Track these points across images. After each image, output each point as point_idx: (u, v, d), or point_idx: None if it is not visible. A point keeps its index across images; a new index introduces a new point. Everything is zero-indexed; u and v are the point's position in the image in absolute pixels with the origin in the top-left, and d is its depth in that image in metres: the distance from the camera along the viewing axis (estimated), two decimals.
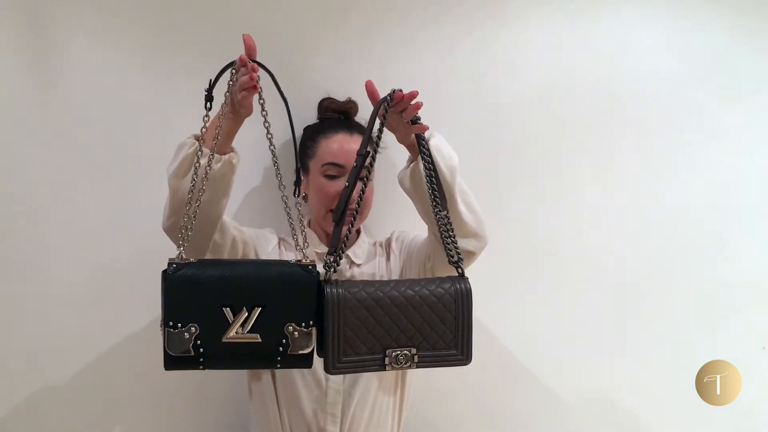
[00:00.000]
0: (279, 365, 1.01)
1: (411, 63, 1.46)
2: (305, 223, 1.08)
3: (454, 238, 1.06)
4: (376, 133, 1.05)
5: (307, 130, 1.34)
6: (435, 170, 1.06)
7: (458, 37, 1.49)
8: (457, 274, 1.08)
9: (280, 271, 1.01)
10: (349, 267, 1.27)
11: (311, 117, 1.38)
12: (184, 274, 0.96)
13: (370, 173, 1.05)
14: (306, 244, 1.05)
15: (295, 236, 1.07)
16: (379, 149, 1.06)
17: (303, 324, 1.00)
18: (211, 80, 0.99)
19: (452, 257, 1.07)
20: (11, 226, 1.32)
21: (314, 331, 1.01)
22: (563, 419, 1.54)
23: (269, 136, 1.01)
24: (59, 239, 1.34)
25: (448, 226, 1.06)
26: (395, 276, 1.27)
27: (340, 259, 1.04)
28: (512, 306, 1.52)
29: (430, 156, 1.06)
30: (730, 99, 1.58)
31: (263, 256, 1.24)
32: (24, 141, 1.31)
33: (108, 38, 1.34)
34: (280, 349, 0.99)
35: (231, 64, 1.00)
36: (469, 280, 1.06)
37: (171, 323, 0.95)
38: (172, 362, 0.97)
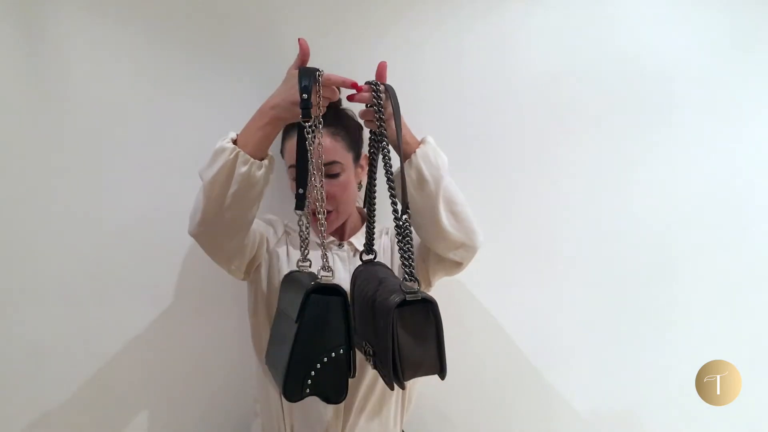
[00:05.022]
0: None
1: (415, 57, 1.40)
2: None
3: (411, 253, 0.93)
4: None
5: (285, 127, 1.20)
6: (401, 174, 1.01)
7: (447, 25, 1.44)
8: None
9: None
10: (354, 255, 1.20)
11: None
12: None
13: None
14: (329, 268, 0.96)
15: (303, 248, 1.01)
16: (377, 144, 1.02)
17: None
18: (307, 88, 0.94)
19: (406, 267, 0.92)
20: (7, 223, 1.28)
21: None
22: (562, 417, 1.52)
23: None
24: (55, 236, 1.31)
25: (406, 238, 0.94)
26: (397, 263, 1.18)
27: (372, 247, 1.11)
28: (509, 303, 1.49)
29: (391, 159, 0.99)
30: (735, 90, 1.53)
31: (273, 246, 1.20)
32: (21, 138, 1.28)
33: (108, 30, 1.30)
34: None
35: (312, 73, 0.95)
36: (437, 300, 0.92)
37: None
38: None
